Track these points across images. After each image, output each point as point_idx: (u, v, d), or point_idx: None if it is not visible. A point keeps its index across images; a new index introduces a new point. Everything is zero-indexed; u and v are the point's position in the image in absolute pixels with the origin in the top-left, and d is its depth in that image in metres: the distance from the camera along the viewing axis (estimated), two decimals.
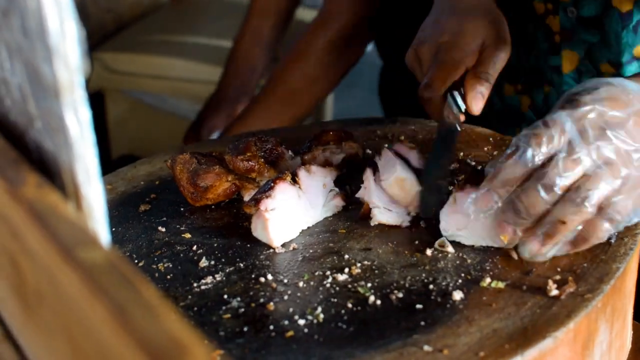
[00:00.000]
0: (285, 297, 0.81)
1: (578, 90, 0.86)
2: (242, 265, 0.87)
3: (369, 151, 1.11)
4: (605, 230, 0.81)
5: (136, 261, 0.90)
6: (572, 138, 0.82)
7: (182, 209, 1.01)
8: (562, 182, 0.80)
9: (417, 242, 0.89)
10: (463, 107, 1.05)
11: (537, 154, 0.82)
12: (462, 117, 1.06)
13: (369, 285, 0.82)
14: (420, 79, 1.08)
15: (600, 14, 1.16)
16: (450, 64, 1.05)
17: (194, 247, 0.92)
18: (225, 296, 0.82)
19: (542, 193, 0.81)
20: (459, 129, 1.04)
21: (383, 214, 0.93)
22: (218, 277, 0.86)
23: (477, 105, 1.04)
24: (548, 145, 0.82)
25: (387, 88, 2.01)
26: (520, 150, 0.82)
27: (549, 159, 0.82)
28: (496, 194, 0.83)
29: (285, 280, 0.84)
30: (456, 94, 1.05)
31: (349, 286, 0.82)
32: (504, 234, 0.83)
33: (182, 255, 0.91)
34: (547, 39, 1.24)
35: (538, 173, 0.81)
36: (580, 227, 0.81)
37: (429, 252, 0.86)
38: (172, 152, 1.14)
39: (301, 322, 0.77)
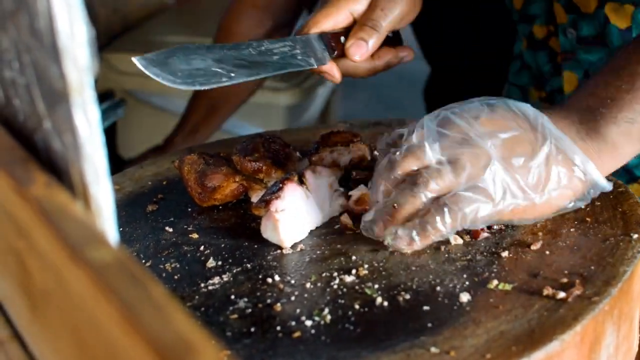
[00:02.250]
0: (293, 298, 0.81)
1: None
2: (249, 265, 0.88)
3: (376, 153, 1.11)
4: (443, 221, 0.83)
5: (143, 261, 0.90)
6: (427, 135, 0.86)
7: (189, 210, 1.01)
8: (402, 166, 0.85)
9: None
10: (330, 52, 1.02)
11: (398, 151, 0.87)
12: (330, 64, 1.03)
13: (376, 286, 0.82)
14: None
15: (600, 33, 1.17)
16: (334, 4, 1.03)
17: (202, 248, 0.92)
18: (233, 297, 0.82)
19: (384, 175, 0.87)
20: (313, 63, 1.01)
21: None
22: (225, 277, 0.86)
23: (355, 51, 1.02)
24: (408, 142, 0.87)
25: (433, 92, 2.02)
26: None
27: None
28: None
29: (293, 281, 0.84)
30: (328, 35, 1.03)
31: (356, 287, 0.82)
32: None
33: (189, 255, 0.91)
34: (550, 60, 1.24)
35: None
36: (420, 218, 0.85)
37: (436, 253, 0.86)
38: (180, 152, 1.14)
39: (308, 323, 0.77)
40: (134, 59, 0.92)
